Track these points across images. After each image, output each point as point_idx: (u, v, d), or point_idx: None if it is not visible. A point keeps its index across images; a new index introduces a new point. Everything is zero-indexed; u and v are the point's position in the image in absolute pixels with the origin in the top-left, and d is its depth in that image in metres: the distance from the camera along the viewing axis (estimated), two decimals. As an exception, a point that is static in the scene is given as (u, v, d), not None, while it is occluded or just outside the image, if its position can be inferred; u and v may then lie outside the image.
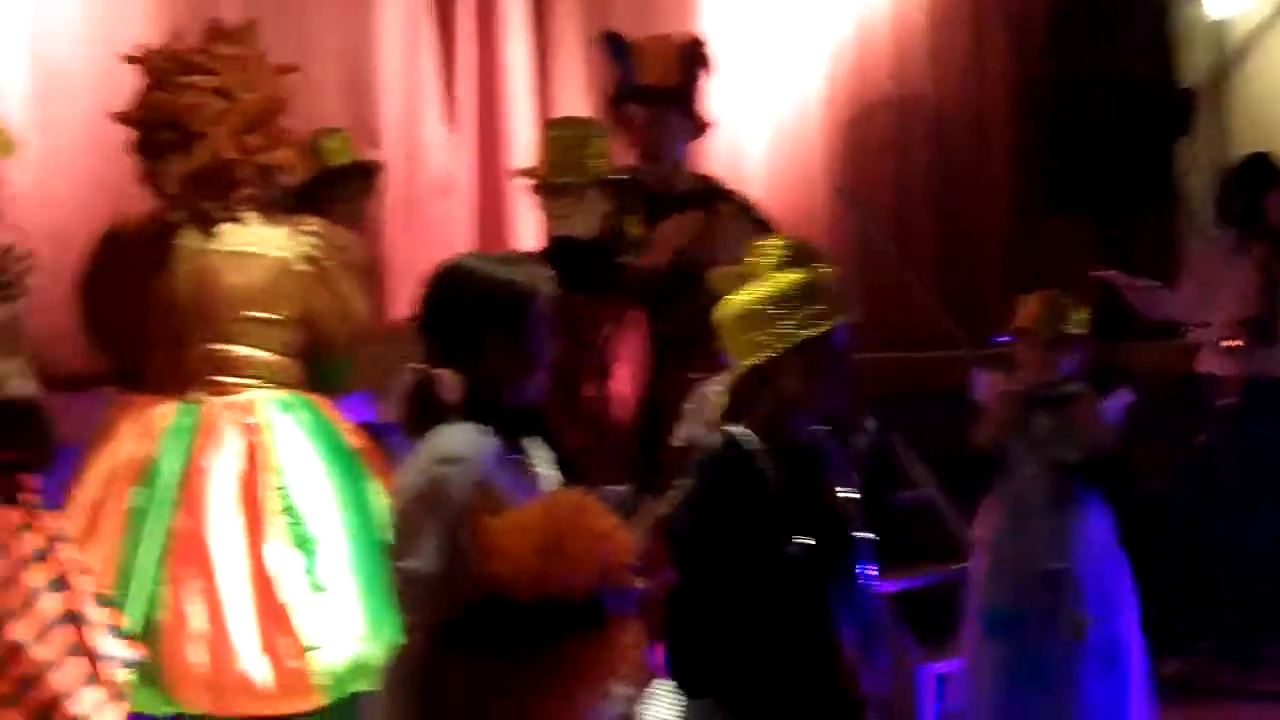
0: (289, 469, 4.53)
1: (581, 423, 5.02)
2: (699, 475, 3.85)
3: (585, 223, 5.30)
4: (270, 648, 4.38)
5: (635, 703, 3.62)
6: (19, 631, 3.75)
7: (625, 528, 3.28)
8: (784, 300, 3.85)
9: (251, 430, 4.57)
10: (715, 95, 7.66)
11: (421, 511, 3.30)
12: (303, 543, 4.47)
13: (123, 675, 3.94)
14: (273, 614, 4.38)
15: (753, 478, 3.84)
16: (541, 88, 7.19)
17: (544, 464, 3.60)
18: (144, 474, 4.55)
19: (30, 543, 3.83)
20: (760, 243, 3.91)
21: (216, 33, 4.79)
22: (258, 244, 4.66)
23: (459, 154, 6.91)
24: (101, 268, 4.80)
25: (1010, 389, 5.68)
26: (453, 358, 3.46)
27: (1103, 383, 7.83)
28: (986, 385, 5.76)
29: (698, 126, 5.87)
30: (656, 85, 5.70)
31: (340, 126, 5.86)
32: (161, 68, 4.70)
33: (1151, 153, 8.21)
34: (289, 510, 4.49)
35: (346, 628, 4.44)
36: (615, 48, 5.83)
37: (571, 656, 3.15)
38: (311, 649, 4.38)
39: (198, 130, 4.61)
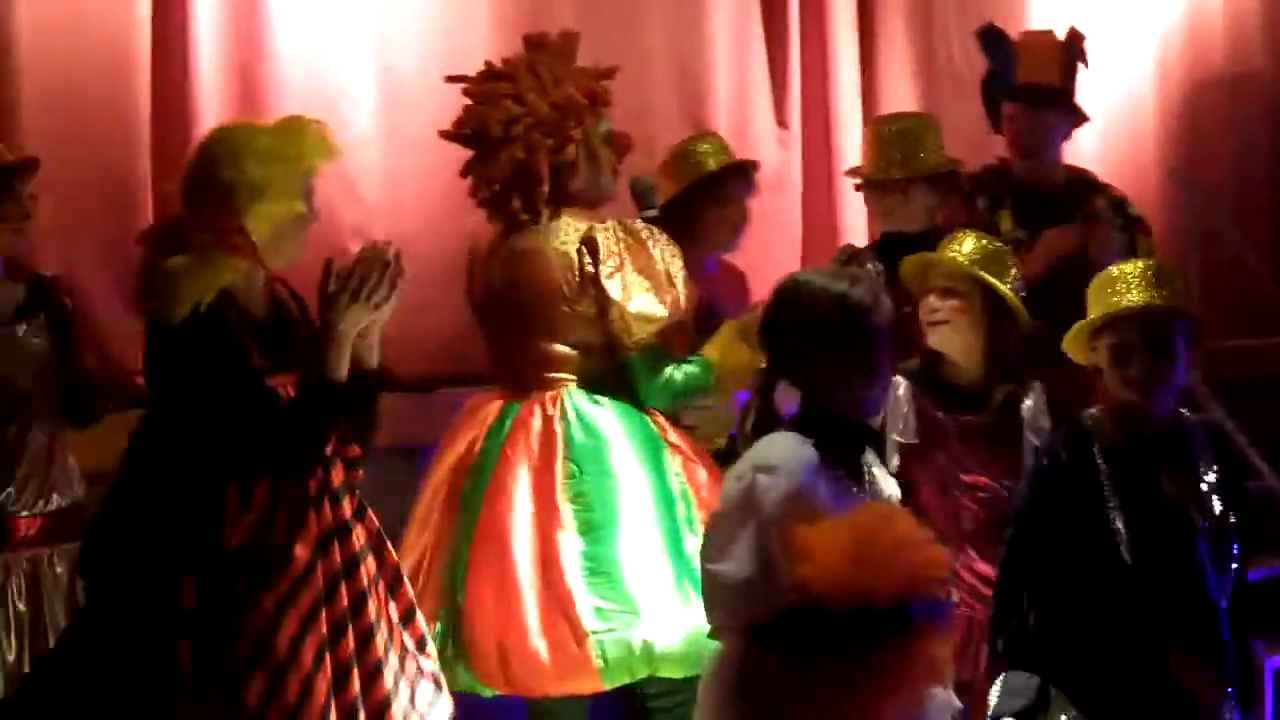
0: (584, 458, 4.68)
1: None
2: (1040, 458, 4.10)
3: (912, 217, 5.34)
4: (550, 631, 4.53)
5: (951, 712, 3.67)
6: (382, 628, 3.97)
7: (937, 542, 3.32)
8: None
9: (550, 421, 4.75)
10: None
11: (735, 517, 3.42)
12: (589, 529, 4.61)
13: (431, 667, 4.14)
14: (556, 598, 4.55)
15: (1087, 462, 3.93)
16: (868, 83, 7.19)
17: (881, 478, 3.71)
18: (470, 468, 4.82)
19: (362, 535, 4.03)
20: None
21: (532, 42, 5.05)
22: (564, 240, 4.83)
23: (789, 151, 6.96)
24: (469, 275, 5.10)
25: None
26: (788, 369, 3.60)
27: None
28: None
29: (1075, 123, 5.84)
30: (1037, 84, 5.66)
31: (709, 132, 6.09)
32: (473, 83, 4.99)
33: None
34: (579, 497, 4.65)
35: (631, 613, 4.54)
36: (994, 42, 5.80)
37: (880, 664, 3.17)
38: (592, 633, 4.51)
39: (495, 136, 4.84)
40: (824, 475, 3.48)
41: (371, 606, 3.92)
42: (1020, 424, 4.57)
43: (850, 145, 6.99)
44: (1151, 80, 8.06)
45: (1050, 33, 6.00)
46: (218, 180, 3.79)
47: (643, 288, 4.74)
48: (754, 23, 6.91)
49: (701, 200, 5.36)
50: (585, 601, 4.55)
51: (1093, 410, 4.04)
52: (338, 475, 3.94)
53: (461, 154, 5.89)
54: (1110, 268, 4.10)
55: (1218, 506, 4.01)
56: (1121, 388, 3.98)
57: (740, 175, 5.54)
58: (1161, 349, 3.98)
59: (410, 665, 4.05)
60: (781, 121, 6.95)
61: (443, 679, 4.17)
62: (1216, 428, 4.33)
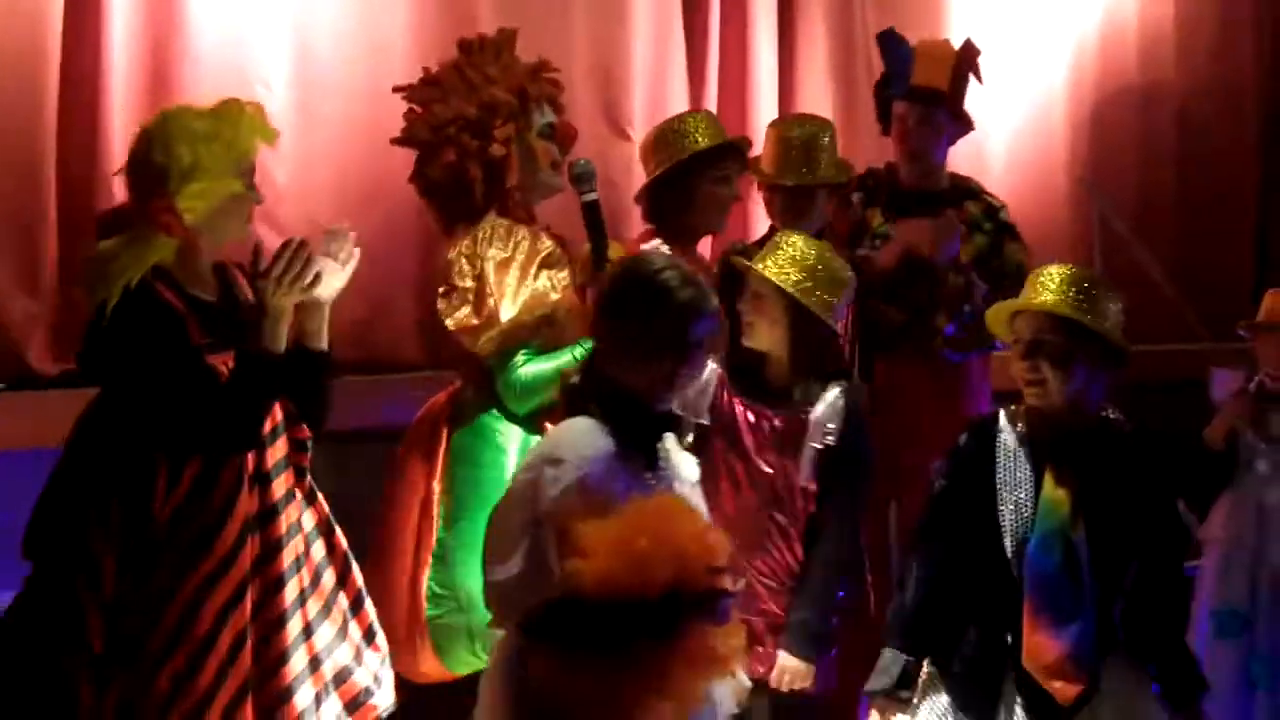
0: (459, 451, 4.84)
1: None
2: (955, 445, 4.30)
3: (809, 220, 5.39)
4: (403, 618, 4.69)
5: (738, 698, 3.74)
6: (311, 609, 4.04)
7: (717, 532, 3.28)
8: None
9: (441, 415, 4.94)
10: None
11: (515, 511, 3.52)
12: (449, 520, 4.75)
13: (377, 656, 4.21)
14: (410, 585, 4.74)
15: (988, 453, 4.02)
16: (786, 82, 7.23)
17: (679, 462, 3.77)
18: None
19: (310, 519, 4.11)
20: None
21: (463, 45, 5.13)
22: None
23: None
24: None
25: (1247, 386, 5.64)
26: (606, 348, 3.70)
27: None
28: (1225, 383, 5.72)
29: (961, 128, 5.95)
30: (927, 86, 5.77)
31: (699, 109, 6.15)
32: (410, 90, 5.08)
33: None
34: (448, 489, 4.80)
35: (461, 600, 4.61)
36: (892, 45, 5.87)
37: (648, 657, 3.11)
38: (428, 619, 4.68)
39: (427, 141, 4.93)
40: (621, 463, 3.54)
41: (289, 593, 3.95)
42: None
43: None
44: (1063, 89, 8.16)
45: (946, 42, 6.16)
46: (151, 163, 3.89)
47: (463, 300, 4.76)
48: (674, 19, 6.91)
49: (694, 179, 5.24)
50: (426, 589, 4.69)
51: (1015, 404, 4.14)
52: (272, 456, 3.99)
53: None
54: (1051, 266, 4.23)
55: (1106, 513, 4.08)
56: (1019, 381, 4.09)
57: (735, 153, 5.40)
58: (1050, 352, 4.04)
59: (337, 654, 4.09)
60: (699, 116, 6.95)
61: (388, 668, 4.24)
62: (1154, 439, 4.37)
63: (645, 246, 5.10)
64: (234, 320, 3.95)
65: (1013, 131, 8.00)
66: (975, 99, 7.66)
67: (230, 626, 3.82)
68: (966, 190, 5.97)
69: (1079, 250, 8.02)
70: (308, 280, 3.88)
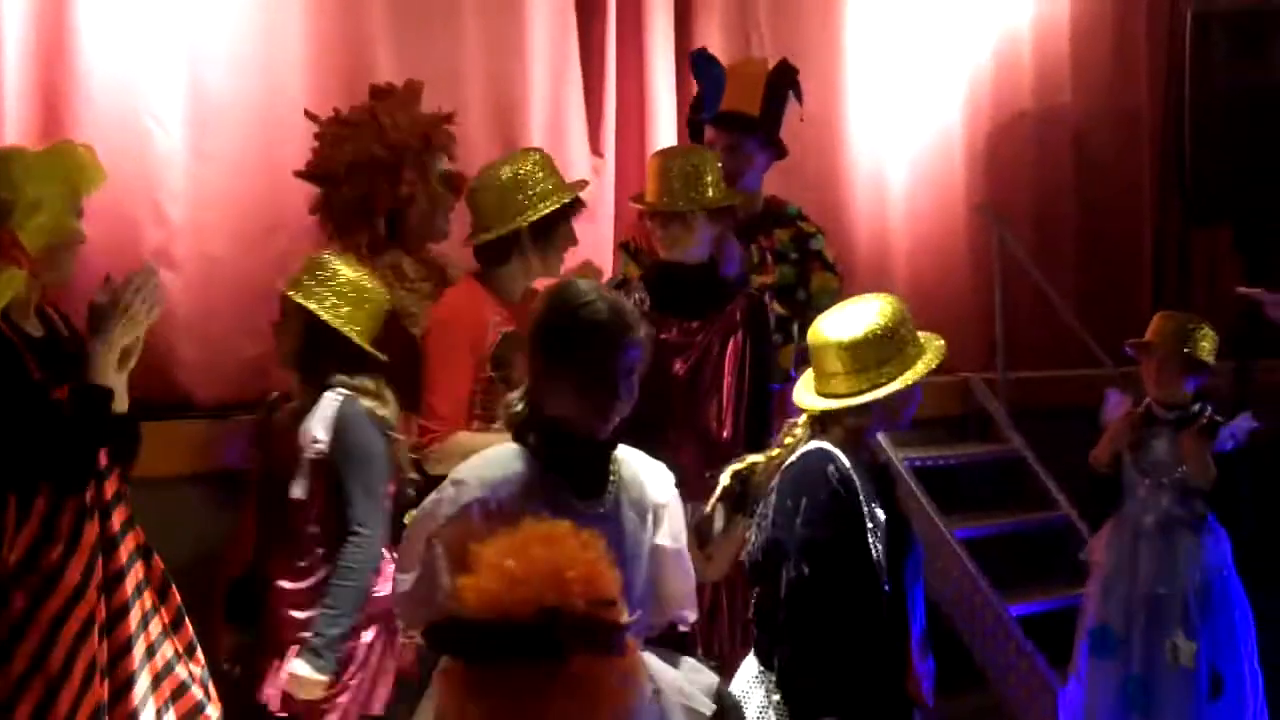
0: None
1: (696, 442, 5.09)
2: (809, 488, 3.97)
3: (694, 248, 5.32)
4: None
5: None
6: (154, 630, 4.09)
7: (606, 562, 3.28)
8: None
9: None
10: (857, 116, 7.84)
11: (418, 526, 3.58)
12: None
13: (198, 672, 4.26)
14: None
15: (851, 491, 3.99)
16: (684, 116, 7.24)
17: (647, 485, 3.77)
18: None
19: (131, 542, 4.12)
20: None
21: (376, 92, 5.48)
22: None
23: (602, 179, 6.97)
24: None
25: (1132, 410, 5.70)
26: (532, 374, 3.69)
27: (1242, 403, 7.86)
28: (1115, 405, 5.78)
29: (775, 154, 5.81)
30: (737, 111, 5.62)
31: (530, 148, 5.76)
32: (322, 125, 5.39)
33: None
34: None
35: None
36: (704, 67, 5.74)
37: (522, 680, 3.15)
38: None
39: (337, 176, 5.20)
40: (542, 491, 3.56)
41: (134, 618, 4.01)
42: None
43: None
44: (960, 118, 8.25)
45: (762, 62, 6.02)
46: None
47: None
48: (570, 54, 6.92)
49: (534, 243, 5.08)
50: None
51: (828, 442, 4.07)
52: (110, 487, 4.03)
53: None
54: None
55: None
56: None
57: (575, 210, 5.22)
58: None
59: (176, 670, 4.15)
60: (596, 150, 6.98)
61: (209, 685, 4.29)
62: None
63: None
64: (60, 356, 3.98)
65: (910, 161, 8.08)
66: (873, 129, 7.82)
67: (82, 656, 3.87)
68: (780, 216, 5.83)
69: (979, 278, 8.13)
70: (148, 315, 3.96)
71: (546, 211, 4.92)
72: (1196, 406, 5.65)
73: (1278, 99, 8.04)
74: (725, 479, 4.19)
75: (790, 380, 5.31)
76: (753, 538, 4.04)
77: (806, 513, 3.91)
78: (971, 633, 6.93)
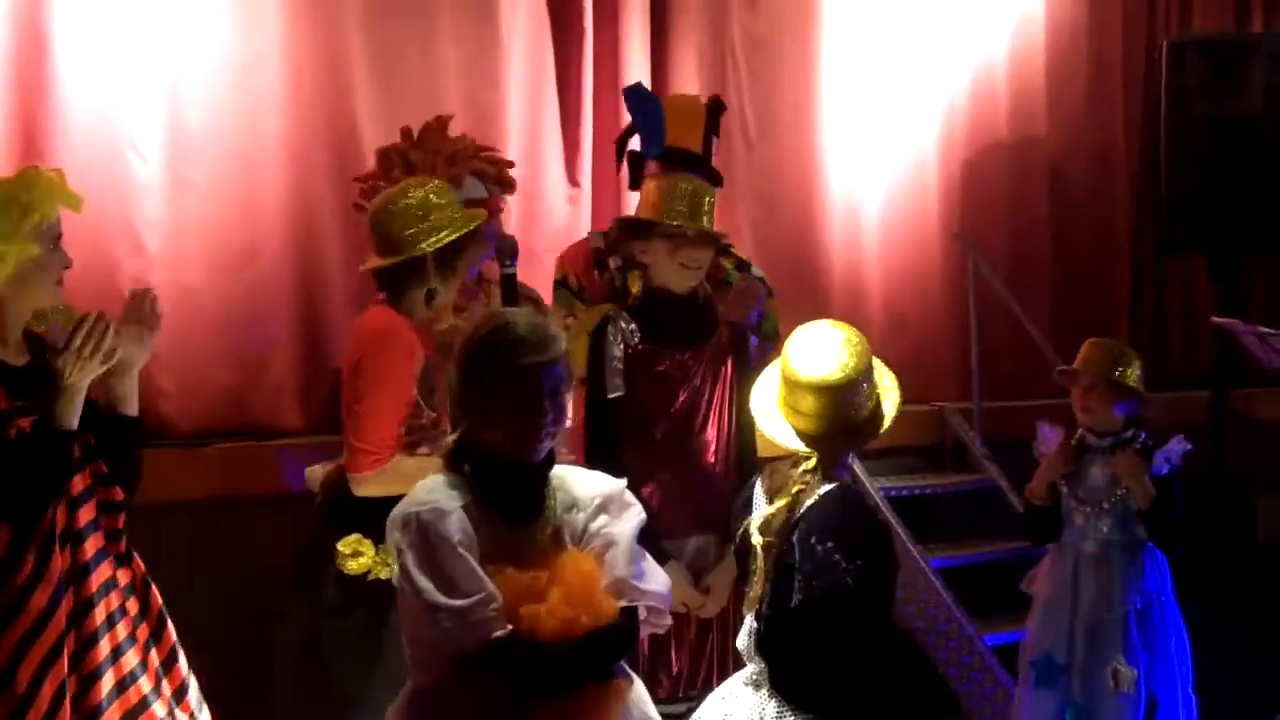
0: None
1: (691, 473, 5.12)
2: (857, 527, 4.00)
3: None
4: None
5: None
6: (131, 660, 4.07)
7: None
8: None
9: None
10: (832, 146, 7.87)
11: (419, 557, 3.56)
12: None
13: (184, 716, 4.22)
14: None
15: (874, 519, 4.05)
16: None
17: (580, 492, 3.78)
18: None
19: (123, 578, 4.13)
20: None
21: (406, 133, 5.66)
22: None
23: (579, 208, 7.03)
24: None
25: (1067, 441, 5.73)
26: (459, 401, 3.73)
27: (1217, 431, 7.91)
28: (1048, 437, 5.81)
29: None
30: (682, 148, 5.59)
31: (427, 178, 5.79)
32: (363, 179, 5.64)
33: (1271, 195, 8.15)
34: None
35: None
36: (640, 101, 5.73)
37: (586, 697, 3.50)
38: None
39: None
40: (476, 515, 3.59)
41: (103, 648, 3.99)
42: None
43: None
44: (935, 148, 8.27)
45: (695, 98, 6.01)
46: None
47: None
48: (547, 82, 6.98)
49: (437, 269, 5.02)
50: None
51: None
52: (83, 517, 4.01)
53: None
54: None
55: None
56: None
57: (475, 238, 5.15)
58: None
59: (153, 708, 4.11)
60: (573, 179, 7.01)
61: None
62: None
63: None
64: (45, 384, 3.95)
65: (886, 191, 8.10)
66: (848, 159, 7.85)
67: (49, 681, 3.87)
68: (719, 247, 5.68)
69: (954, 307, 8.15)
70: (105, 353, 3.90)
71: (451, 238, 4.90)
72: (1130, 433, 5.68)
73: (1252, 129, 8.09)
74: (756, 537, 4.13)
75: None
76: (796, 587, 3.94)
77: (869, 551, 3.93)
78: (947, 662, 6.93)
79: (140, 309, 4.13)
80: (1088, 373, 5.68)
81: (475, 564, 3.52)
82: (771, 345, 5.54)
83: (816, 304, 7.14)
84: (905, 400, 4.21)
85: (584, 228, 6.96)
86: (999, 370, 8.19)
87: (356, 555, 4.63)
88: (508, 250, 5.18)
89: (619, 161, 5.76)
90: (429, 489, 3.63)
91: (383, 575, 4.60)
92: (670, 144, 5.58)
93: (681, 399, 5.13)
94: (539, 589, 3.51)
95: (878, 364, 4.17)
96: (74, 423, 3.89)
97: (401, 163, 5.58)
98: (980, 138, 8.43)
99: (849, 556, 3.87)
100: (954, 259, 8.16)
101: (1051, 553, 5.79)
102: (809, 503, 4.03)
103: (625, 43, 7.20)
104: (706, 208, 5.20)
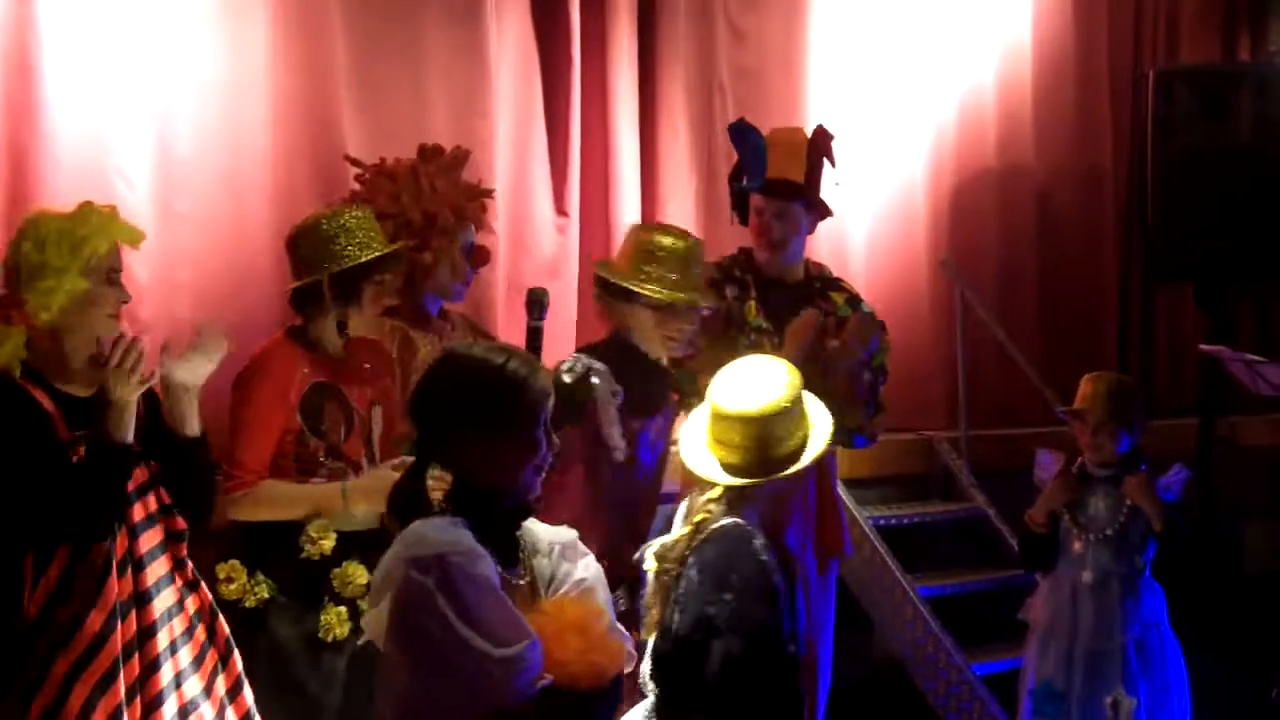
0: None
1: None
2: (738, 563, 3.90)
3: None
4: None
5: None
6: (193, 688, 4.14)
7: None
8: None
9: None
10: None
11: (480, 597, 3.38)
12: None
13: None
14: None
15: (773, 566, 3.94)
16: (648, 174, 7.31)
17: (540, 540, 3.70)
18: None
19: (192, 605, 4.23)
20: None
21: (424, 152, 5.65)
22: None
23: (567, 238, 7.03)
24: None
25: (1067, 468, 5.73)
26: (438, 445, 3.55)
27: (1205, 458, 7.92)
28: (1047, 465, 5.82)
29: (819, 217, 5.88)
30: (783, 179, 5.67)
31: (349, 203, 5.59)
32: (365, 171, 5.61)
33: (1257, 223, 8.18)
34: None
35: None
36: (743, 137, 5.78)
37: None
38: None
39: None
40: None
41: (164, 674, 4.06)
42: None
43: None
44: (924, 175, 8.29)
45: (799, 130, 6.08)
46: (7, 262, 4.11)
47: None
48: (535, 113, 6.99)
49: (334, 296, 5.00)
50: None
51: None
52: (146, 543, 4.09)
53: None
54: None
55: None
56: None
57: (385, 269, 5.09)
58: None
59: None
60: (561, 209, 7.02)
61: None
62: None
63: None
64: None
65: (874, 217, 8.11)
66: (840, 196, 7.85)
67: (101, 708, 3.91)
68: (827, 279, 5.91)
69: (942, 335, 8.16)
70: (140, 371, 3.99)
71: (348, 265, 4.89)
72: (1132, 463, 5.69)
73: (1239, 158, 8.14)
74: (650, 563, 4.08)
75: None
76: (673, 615, 3.91)
77: (739, 588, 3.84)
78: (935, 691, 6.94)
79: (204, 336, 4.29)
80: (1092, 410, 5.68)
81: (515, 609, 3.39)
82: (883, 379, 5.71)
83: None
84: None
85: (572, 257, 6.99)
86: (987, 399, 8.19)
87: (229, 580, 4.64)
88: (535, 302, 5.17)
89: (732, 199, 5.87)
90: (439, 528, 3.44)
91: (248, 604, 4.64)
92: (771, 176, 5.65)
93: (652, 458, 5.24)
94: (549, 634, 3.40)
95: (812, 399, 4.11)
96: (128, 436, 3.98)
97: (410, 185, 5.49)
98: (968, 165, 8.44)
99: (717, 589, 3.83)
100: (941, 286, 8.18)
101: (1049, 581, 5.80)
102: (704, 535, 3.97)
103: (613, 73, 7.21)
104: (695, 269, 5.22)
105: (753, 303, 5.65)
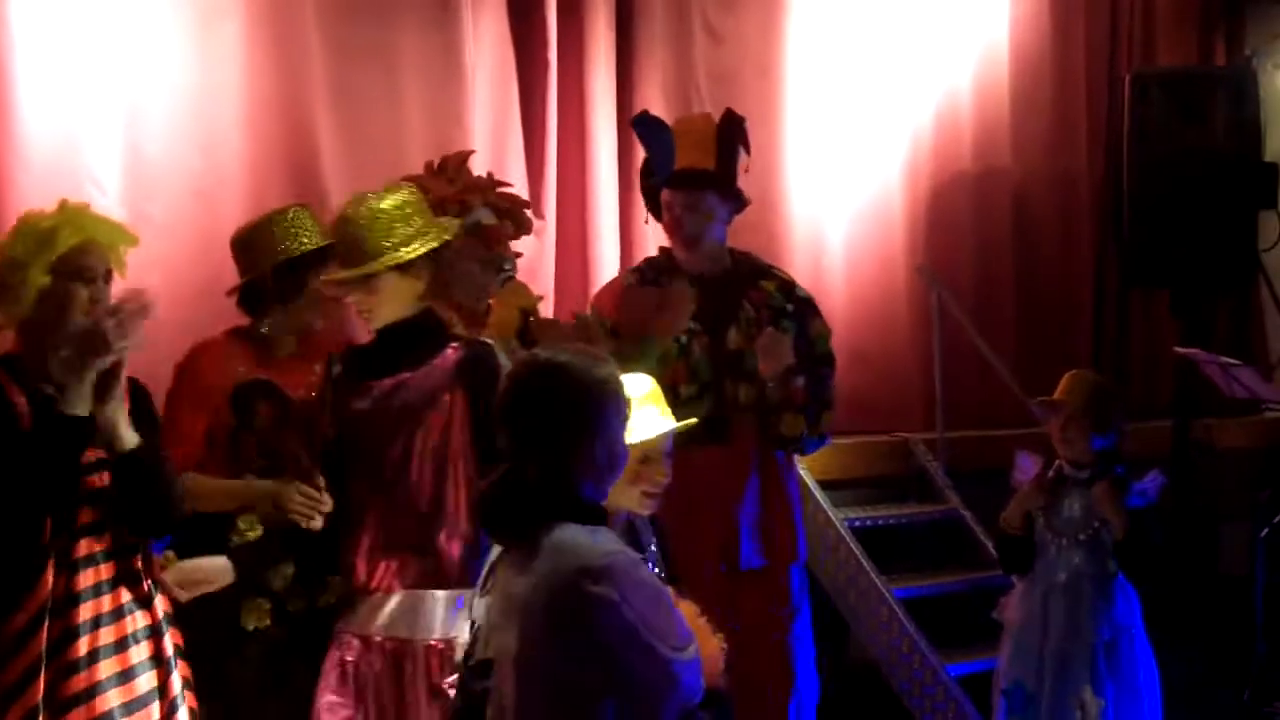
0: None
1: None
2: None
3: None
4: None
5: None
6: (112, 700, 4.03)
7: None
8: None
9: None
10: (796, 176, 7.89)
11: (650, 604, 3.28)
12: None
13: None
14: None
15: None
16: (625, 176, 7.28)
17: None
18: None
19: (140, 620, 4.13)
20: None
21: (430, 166, 5.36)
22: None
23: (543, 241, 7.02)
24: None
25: (1043, 471, 5.74)
26: (543, 453, 3.38)
27: (1180, 460, 7.94)
28: (1025, 467, 5.83)
29: (737, 206, 5.61)
30: (691, 168, 5.44)
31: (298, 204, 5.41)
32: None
33: (1233, 227, 8.21)
34: None
35: None
36: (650, 130, 5.62)
37: None
38: None
39: None
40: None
41: (79, 680, 3.97)
42: None
43: (605, 236, 7.16)
44: (900, 179, 8.30)
45: (707, 116, 5.91)
46: None
47: None
48: (511, 117, 6.99)
49: (307, 274, 5.00)
50: None
51: None
52: (86, 548, 4.00)
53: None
54: None
55: None
56: None
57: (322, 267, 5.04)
58: None
59: None
60: (537, 213, 6.99)
61: None
62: None
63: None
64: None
65: (850, 221, 8.13)
66: (812, 189, 7.87)
67: (19, 706, 3.88)
68: (757, 269, 5.67)
69: (918, 338, 8.18)
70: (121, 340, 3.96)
71: (286, 258, 4.89)
72: (1108, 464, 5.70)
73: (1215, 162, 8.16)
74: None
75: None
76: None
77: None
78: (911, 693, 6.95)
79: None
80: (1068, 403, 5.70)
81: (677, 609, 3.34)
82: (830, 368, 5.59)
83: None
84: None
85: (548, 261, 7.00)
86: (962, 401, 8.20)
87: (163, 568, 4.59)
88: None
89: (645, 198, 5.68)
90: (589, 536, 3.31)
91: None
92: (679, 166, 5.45)
93: None
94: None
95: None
96: (76, 409, 3.88)
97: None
98: (944, 168, 8.46)
99: None
100: (917, 289, 8.19)
101: (1024, 582, 5.81)
102: None
103: (590, 76, 7.22)
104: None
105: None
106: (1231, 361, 7.57)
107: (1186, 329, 8.32)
